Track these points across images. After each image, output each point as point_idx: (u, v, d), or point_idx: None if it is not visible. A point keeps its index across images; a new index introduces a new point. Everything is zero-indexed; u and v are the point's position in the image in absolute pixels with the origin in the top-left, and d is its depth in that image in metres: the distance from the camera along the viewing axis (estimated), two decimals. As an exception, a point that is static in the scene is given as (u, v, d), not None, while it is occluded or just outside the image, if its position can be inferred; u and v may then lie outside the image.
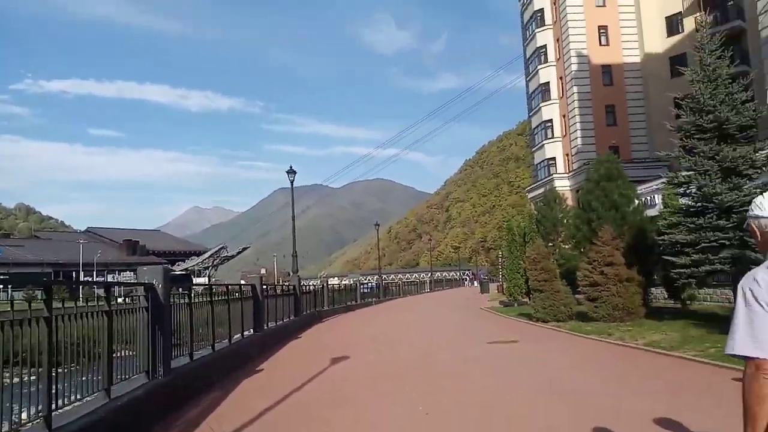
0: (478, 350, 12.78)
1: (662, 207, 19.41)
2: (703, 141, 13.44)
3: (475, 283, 69.27)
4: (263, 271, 78.20)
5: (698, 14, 28.59)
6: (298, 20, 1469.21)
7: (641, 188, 23.72)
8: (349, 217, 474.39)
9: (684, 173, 13.85)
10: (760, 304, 2.06)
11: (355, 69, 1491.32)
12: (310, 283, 32.90)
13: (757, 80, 22.91)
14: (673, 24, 39.35)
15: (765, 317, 2.04)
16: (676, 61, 38.40)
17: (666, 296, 19.21)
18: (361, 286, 41.13)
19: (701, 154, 13.36)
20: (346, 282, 50.11)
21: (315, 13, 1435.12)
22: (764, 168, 13.12)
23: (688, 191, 13.91)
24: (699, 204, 13.37)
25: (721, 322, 13.52)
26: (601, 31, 41.07)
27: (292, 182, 27.01)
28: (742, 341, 2.07)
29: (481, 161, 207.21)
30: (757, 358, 2.02)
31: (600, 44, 40.92)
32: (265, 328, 13.94)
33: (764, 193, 2.31)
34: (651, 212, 21.85)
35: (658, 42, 39.66)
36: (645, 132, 39.58)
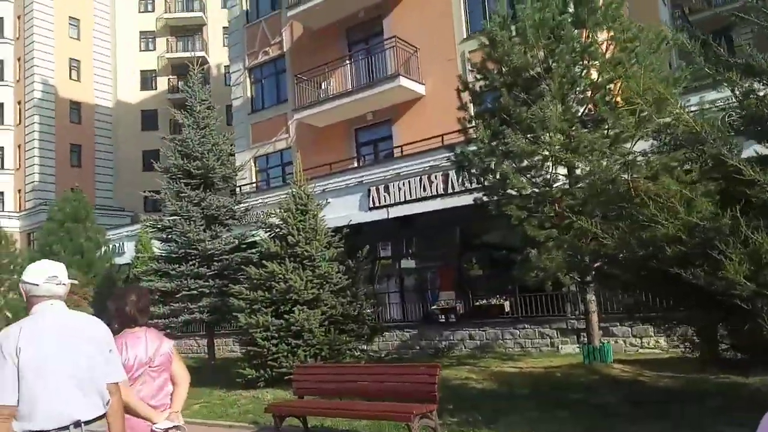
0: None
1: (135, 254, 18.35)
2: (190, 186, 13.24)
3: None
4: None
5: (183, 71, 29.89)
6: None
7: (109, 234, 22.03)
8: None
9: (169, 218, 13.22)
10: (5, 355, 2.32)
11: None
12: None
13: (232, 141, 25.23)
14: (147, 79, 40.22)
15: (9, 367, 2.30)
16: (148, 115, 39.27)
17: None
18: None
19: (187, 199, 13.08)
20: None
21: None
22: (242, 220, 13.87)
23: (170, 236, 13.31)
24: (182, 251, 12.93)
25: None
26: (74, 64, 38.04)
27: None
28: None
29: None
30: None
31: (71, 78, 37.71)
32: None
33: (34, 263, 2.63)
34: (120, 260, 20.43)
35: (133, 93, 39.66)
36: (111, 179, 38.22)
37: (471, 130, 10.19)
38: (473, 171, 9.79)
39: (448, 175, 14.12)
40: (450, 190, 14.14)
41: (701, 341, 9.62)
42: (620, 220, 5.56)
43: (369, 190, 15.48)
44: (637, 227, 5.10)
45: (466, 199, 13.77)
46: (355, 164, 18.52)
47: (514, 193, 9.25)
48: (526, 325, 13.57)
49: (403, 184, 14.98)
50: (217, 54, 39.04)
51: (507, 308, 14.21)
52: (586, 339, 12.82)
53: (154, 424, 2.98)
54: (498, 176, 9.26)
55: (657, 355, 11.28)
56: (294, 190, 11.58)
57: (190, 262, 12.74)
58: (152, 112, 39.30)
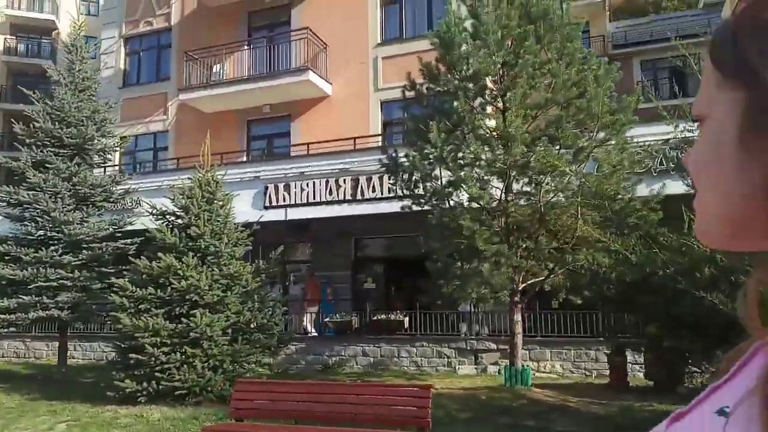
0: None
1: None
2: (60, 157, 10.93)
3: None
4: None
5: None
6: None
7: None
8: None
9: (28, 192, 10.72)
10: None
11: None
12: None
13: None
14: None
15: None
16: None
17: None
18: None
19: (55, 171, 10.76)
20: None
21: None
22: (118, 203, 11.78)
23: (26, 214, 10.82)
24: (41, 233, 10.55)
25: (33, 382, 10.81)
26: None
27: None
28: None
29: None
30: None
31: None
32: None
33: None
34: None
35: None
36: None
37: (413, 136, 9.60)
38: (413, 177, 9.16)
39: (358, 180, 13.39)
40: (359, 197, 13.39)
41: (612, 369, 9.90)
42: (633, 238, 5.27)
43: (266, 188, 14.16)
44: (662, 247, 4.82)
45: (371, 208, 13.19)
46: (244, 158, 17.00)
47: (458, 202, 8.79)
48: (424, 343, 13.15)
49: (307, 185, 13.90)
50: (70, 21, 34.37)
51: (406, 324, 13.70)
52: (483, 360, 12.80)
53: None
54: (441, 184, 8.75)
55: (555, 380, 11.50)
56: (199, 175, 10.02)
57: (52, 248, 10.42)
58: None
